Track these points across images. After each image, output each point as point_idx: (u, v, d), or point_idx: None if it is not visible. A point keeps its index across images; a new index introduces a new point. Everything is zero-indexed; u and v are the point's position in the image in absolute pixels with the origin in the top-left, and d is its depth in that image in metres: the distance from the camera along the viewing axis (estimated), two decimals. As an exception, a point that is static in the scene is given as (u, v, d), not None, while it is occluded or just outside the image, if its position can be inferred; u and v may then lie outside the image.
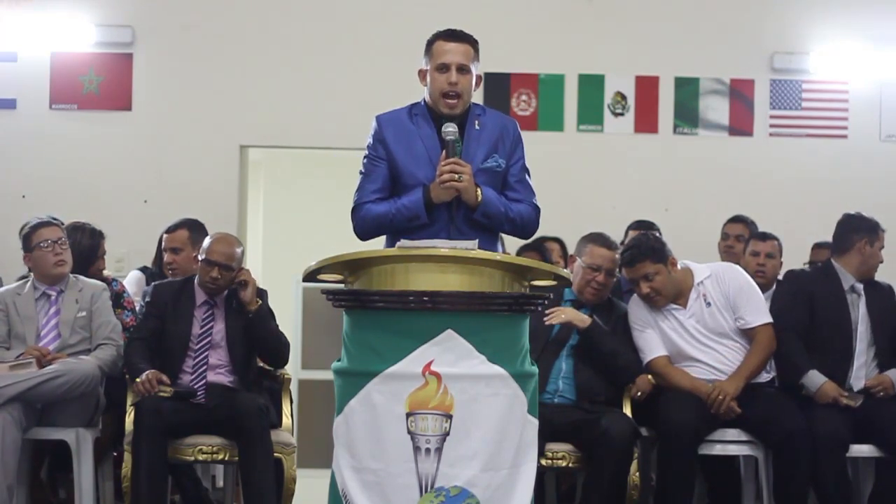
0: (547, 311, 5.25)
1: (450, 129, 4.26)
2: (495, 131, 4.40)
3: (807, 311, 5.47)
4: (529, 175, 4.47)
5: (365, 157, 4.42)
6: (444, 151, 4.26)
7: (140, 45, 7.79)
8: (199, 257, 5.42)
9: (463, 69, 4.31)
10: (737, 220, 6.84)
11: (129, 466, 5.11)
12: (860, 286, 5.52)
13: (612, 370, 5.36)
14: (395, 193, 4.36)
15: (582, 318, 5.32)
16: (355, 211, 4.39)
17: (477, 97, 4.49)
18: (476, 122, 4.38)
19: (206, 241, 5.47)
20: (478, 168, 4.32)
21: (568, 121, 7.92)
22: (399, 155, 4.35)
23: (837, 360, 5.41)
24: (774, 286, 6.36)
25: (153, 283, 5.66)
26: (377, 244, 4.39)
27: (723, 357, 5.38)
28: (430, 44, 4.36)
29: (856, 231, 5.56)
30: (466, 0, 7.67)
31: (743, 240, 6.65)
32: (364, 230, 4.39)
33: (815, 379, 5.34)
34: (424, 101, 4.40)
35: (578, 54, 7.93)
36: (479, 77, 4.40)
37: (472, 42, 4.37)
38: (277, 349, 5.49)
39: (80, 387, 5.23)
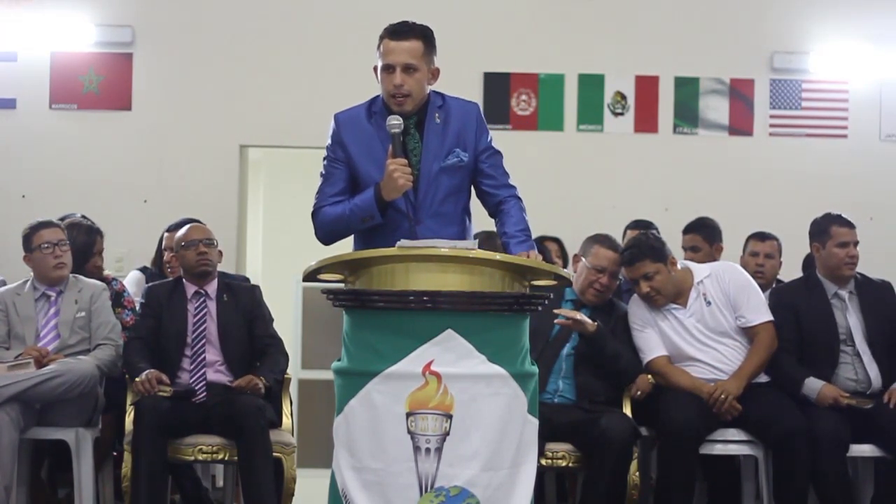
0: (558, 311, 5.28)
1: (394, 121, 4.13)
2: (457, 123, 4.27)
3: (793, 325, 5.45)
4: (501, 156, 4.35)
5: (324, 158, 4.32)
6: (390, 147, 4.15)
7: (140, 45, 7.79)
8: (176, 250, 5.51)
9: (409, 68, 4.17)
10: (690, 229, 6.65)
11: (129, 466, 5.11)
12: (845, 293, 5.50)
13: (614, 372, 5.37)
14: (355, 195, 4.26)
15: (589, 322, 5.31)
16: (314, 215, 4.31)
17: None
18: (436, 114, 4.26)
19: (178, 235, 5.59)
20: (440, 167, 4.25)
21: (568, 121, 7.91)
22: (357, 157, 4.26)
23: (823, 368, 5.40)
24: (774, 286, 6.36)
25: (147, 285, 5.70)
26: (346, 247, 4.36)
27: (723, 356, 5.39)
28: (379, 41, 4.24)
29: (810, 237, 5.57)
30: (467, 1, 7.66)
31: (698, 250, 6.56)
32: (324, 233, 4.30)
33: (813, 385, 5.33)
34: (382, 97, 4.29)
35: (578, 54, 7.92)
36: (435, 70, 4.26)
37: (420, 36, 4.22)
38: (282, 372, 5.57)
39: (79, 387, 5.23)
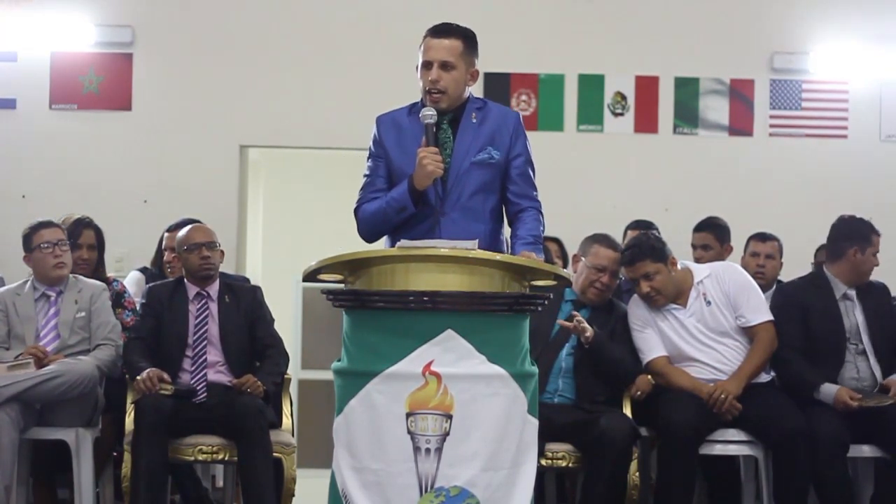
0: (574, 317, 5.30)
1: (428, 112, 4.22)
2: (493, 125, 4.34)
3: (801, 324, 5.45)
4: (533, 170, 4.42)
5: (368, 157, 4.42)
6: (424, 137, 4.23)
7: (140, 45, 7.79)
8: (178, 251, 5.50)
9: (446, 65, 4.26)
10: (702, 227, 6.65)
11: (129, 466, 5.11)
12: (853, 292, 5.51)
13: (614, 377, 5.37)
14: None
15: (587, 330, 5.31)
16: (355, 213, 4.41)
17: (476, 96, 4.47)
18: (473, 115, 4.34)
19: (180, 236, 5.55)
20: (470, 162, 4.30)
21: (568, 121, 7.91)
22: (394, 154, 4.34)
23: (829, 368, 5.40)
24: (774, 287, 6.36)
25: (148, 285, 5.69)
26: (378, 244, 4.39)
27: (723, 357, 5.38)
28: (422, 40, 4.34)
29: (847, 239, 5.51)
30: (467, 1, 7.66)
31: (709, 249, 6.56)
32: (364, 229, 4.39)
33: (828, 391, 5.31)
34: (423, 98, 4.37)
35: (578, 54, 7.92)
36: (474, 72, 4.35)
37: (461, 36, 4.31)
38: (282, 374, 5.56)
39: (79, 387, 5.23)
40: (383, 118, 4.42)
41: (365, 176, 4.42)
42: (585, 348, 5.32)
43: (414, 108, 4.38)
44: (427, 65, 4.28)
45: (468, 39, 4.33)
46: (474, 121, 4.34)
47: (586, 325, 5.32)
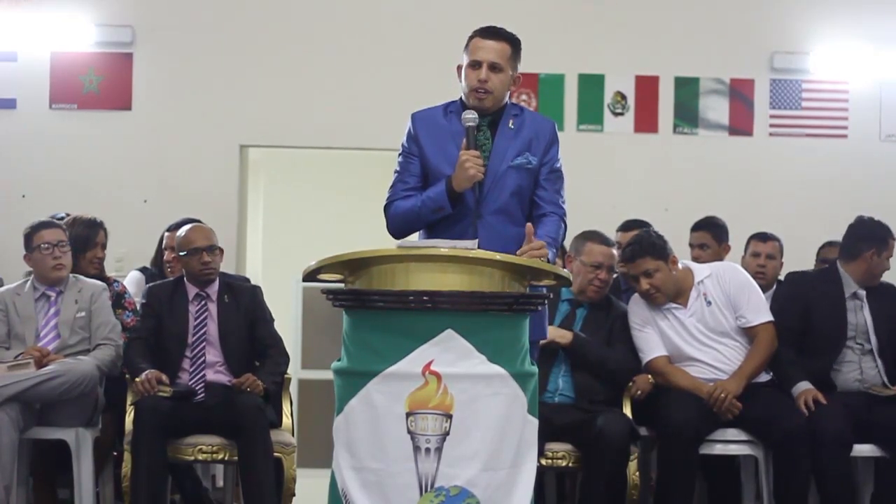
0: None
1: (469, 115, 4.25)
2: (530, 131, 4.39)
3: (801, 315, 5.45)
4: (562, 179, 4.45)
5: (399, 154, 4.43)
6: (465, 140, 4.25)
7: (140, 44, 7.79)
8: (180, 254, 5.47)
9: (495, 67, 4.31)
10: (699, 226, 6.66)
11: (129, 466, 5.11)
12: (863, 292, 5.51)
13: (605, 376, 5.37)
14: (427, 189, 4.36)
15: (562, 335, 5.32)
16: (386, 209, 4.41)
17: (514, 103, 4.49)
18: (511, 121, 4.38)
19: (180, 237, 5.52)
20: (507, 166, 4.33)
21: (568, 121, 7.91)
22: (430, 152, 4.35)
23: (825, 364, 5.40)
24: (775, 287, 6.35)
25: (148, 285, 5.69)
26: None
27: (723, 357, 5.39)
28: (468, 40, 4.38)
29: (865, 240, 5.51)
30: (466, 1, 7.66)
31: (707, 248, 6.56)
32: (395, 227, 4.39)
33: (798, 388, 5.33)
34: (461, 98, 4.40)
35: (578, 54, 7.92)
36: (517, 77, 4.41)
37: (510, 41, 4.38)
38: (282, 374, 5.56)
39: (79, 387, 5.24)
40: (419, 115, 4.43)
41: (396, 172, 4.42)
42: (568, 354, 5.33)
43: (450, 108, 4.41)
44: (476, 64, 4.32)
45: (515, 45, 4.40)
46: (512, 127, 4.38)
47: (554, 334, 5.29)
